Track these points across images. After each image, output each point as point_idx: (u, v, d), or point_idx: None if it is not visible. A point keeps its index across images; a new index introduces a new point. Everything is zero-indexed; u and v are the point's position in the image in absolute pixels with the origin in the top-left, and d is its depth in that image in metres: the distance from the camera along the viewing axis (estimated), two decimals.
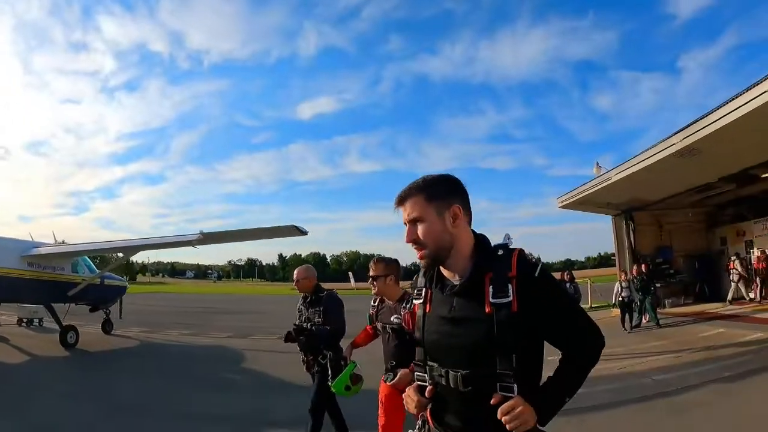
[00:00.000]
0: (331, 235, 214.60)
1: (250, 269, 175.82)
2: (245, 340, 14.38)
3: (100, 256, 17.04)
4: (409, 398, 1.86)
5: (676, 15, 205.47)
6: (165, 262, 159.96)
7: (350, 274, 67.12)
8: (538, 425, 1.59)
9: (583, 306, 5.23)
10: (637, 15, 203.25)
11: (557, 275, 11.66)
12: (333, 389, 4.18)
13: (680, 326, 13.16)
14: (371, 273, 3.93)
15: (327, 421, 4.77)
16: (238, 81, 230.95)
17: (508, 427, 1.54)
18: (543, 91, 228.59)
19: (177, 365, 10.88)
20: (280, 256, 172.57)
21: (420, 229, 1.74)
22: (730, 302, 15.77)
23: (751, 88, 8.64)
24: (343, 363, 4.35)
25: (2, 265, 11.66)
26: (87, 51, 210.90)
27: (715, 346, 9.88)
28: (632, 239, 17.92)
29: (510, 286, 1.62)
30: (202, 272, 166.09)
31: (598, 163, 16.64)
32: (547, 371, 1.73)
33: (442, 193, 1.75)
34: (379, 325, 4.04)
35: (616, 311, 14.43)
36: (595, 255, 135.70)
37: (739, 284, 15.93)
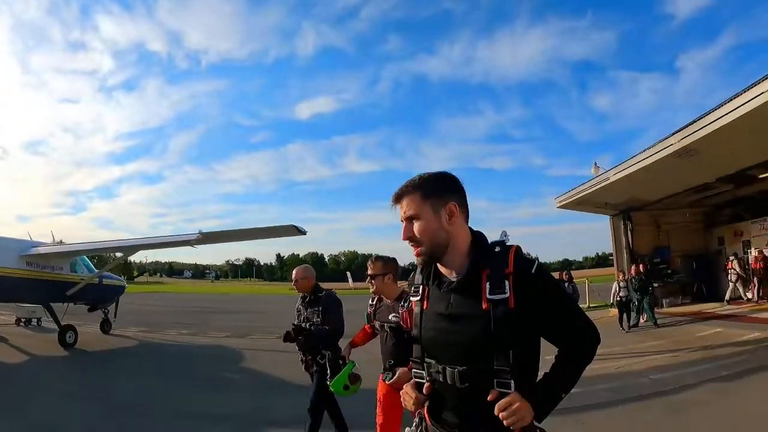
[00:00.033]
0: (329, 235, 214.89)
1: (248, 269, 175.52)
2: (244, 340, 14.38)
3: (98, 255, 17.02)
4: (407, 395, 1.87)
5: (675, 15, 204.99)
6: (163, 261, 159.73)
7: (348, 274, 67.01)
8: (534, 422, 1.60)
9: (581, 306, 5.25)
10: (635, 15, 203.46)
11: (555, 275, 11.69)
12: (332, 388, 4.19)
13: (678, 326, 13.22)
14: (369, 271, 3.94)
15: (327, 420, 4.79)
16: (237, 81, 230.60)
17: (505, 423, 1.55)
18: (542, 91, 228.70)
19: (176, 365, 10.89)
20: (278, 255, 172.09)
21: (416, 227, 1.76)
22: (728, 302, 15.83)
23: (748, 90, 8.69)
24: (341, 362, 4.36)
25: (1, 265, 11.63)
26: (85, 50, 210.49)
27: (713, 345, 9.92)
28: (630, 239, 17.99)
29: (507, 282, 1.63)
30: (199, 272, 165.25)
31: (596, 164, 16.73)
32: (544, 370, 1.74)
33: (438, 190, 1.76)
34: (377, 324, 4.03)
35: (614, 311, 14.50)
36: (592, 255, 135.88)
37: (737, 284, 16.00)
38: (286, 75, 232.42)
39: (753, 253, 16.09)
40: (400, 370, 3.38)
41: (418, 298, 1.89)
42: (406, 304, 3.60)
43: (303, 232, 11.52)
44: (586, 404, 6.22)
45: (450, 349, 1.72)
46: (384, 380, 3.85)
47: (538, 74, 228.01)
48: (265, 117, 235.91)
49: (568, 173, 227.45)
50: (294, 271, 4.94)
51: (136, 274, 75.56)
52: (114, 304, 15.34)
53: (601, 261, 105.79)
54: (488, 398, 1.59)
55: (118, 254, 15.75)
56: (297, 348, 4.67)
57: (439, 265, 1.82)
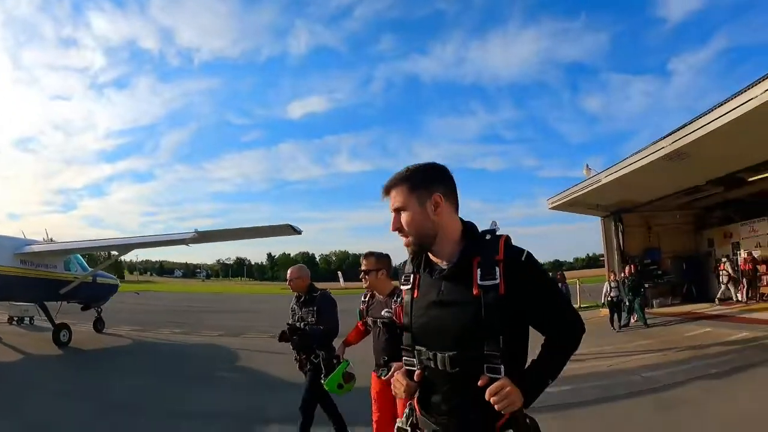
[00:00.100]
0: (320, 235, 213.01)
1: (239, 268, 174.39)
2: (237, 339, 14.40)
3: (89, 254, 16.92)
4: (398, 382, 1.89)
5: (667, 18, 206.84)
6: (154, 260, 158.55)
7: (339, 273, 67.03)
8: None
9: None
10: (628, 17, 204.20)
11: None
12: (326, 387, 4.24)
13: (668, 326, 13.39)
14: (363, 267, 3.96)
15: (326, 419, 4.84)
16: (229, 79, 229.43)
17: (496, 407, 1.58)
18: (534, 92, 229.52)
19: (169, 363, 10.90)
20: (269, 255, 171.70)
21: (403, 218, 1.79)
22: (720, 300, 16.12)
23: (739, 94, 8.81)
24: (335, 362, 4.39)
25: None
26: (77, 47, 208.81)
27: (702, 345, 10.05)
28: (621, 240, 18.15)
29: (497, 269, 1.66)
30: (190, 271, 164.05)
31: (588, 165, 16.86)
32: (531, 357, 1.78)
33: (425, 182, 1.79)
34: (369, 320, 4.06)
35: (605, 311, 14.67)
36: (583, 256, 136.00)
37: (728, 285, 16.23)
38: (278, 74, 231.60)
39: (742, 254, 16.30)
40: (395, 365, 3.42)
41: (409, 286, 1.91)
42: (399, 300, 3.59)
43: (298, 232, 11.56)
44: (580, 401, 6.37)
45: (441, 336, 1.73)
46: (378, 376, 3.90)
47: (530, 75, 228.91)
48: (257, 116, 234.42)
49: (560, 174, 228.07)
50: (289, 271, 4.96)
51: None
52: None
53: (592, 262, 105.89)
54: (478, 384, 1.61)
55: (113, 252, 15.67)
56: (291, 347, 4.69)
57: (430, 254, 1.84)
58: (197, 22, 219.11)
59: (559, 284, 11.87)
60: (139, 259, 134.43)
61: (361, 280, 4.04)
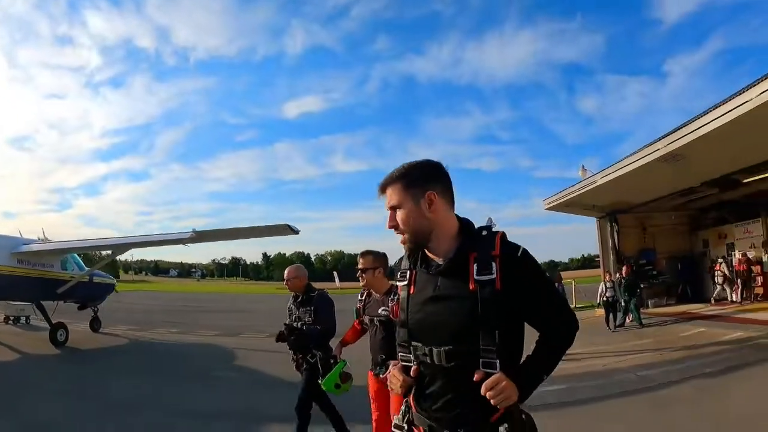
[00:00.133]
0: (315, 234, 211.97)
1: (234, 268, 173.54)
2: (233, 339, 14.40)
3: (84, 253, 16.89)
4: (394, 378, 1.91)
5: (663, 20, 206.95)
6: (149, 260, 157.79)
7: (335, 273, 66.98)
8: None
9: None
10: (624, 19, 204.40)
11: None
12: (323, 387, 4.25)
13: (663, 326, 13.45)
14: (360, 266, 3.97)
15: (325, 419, 4.86)
16: (224, 78, 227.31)
17: (492, 402, 1.59)
18: (530, 93, 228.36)
19: (166, 363, 10.90)
20: (265, 255, 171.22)
21: (399, 216, 1.81)
22: (716, 300, 16.26)
23: (734, 97, 8.85)
24: (332, 362, 4.41)
25: None
26: (73, 46, 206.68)
27: (697, 344, 10.12)
28: (616, 241, 18.20)
29: (494, 264, 1.67)
30: (185, 271, 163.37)
31: (583, 166, 16.89)
32: (526, 353, 1.81)
33: (420, 179, 1.80)
34: (366, 319, 4.08)
35: (600, 311, 14.74)
36: (578, 256, 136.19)
37: (724, 286, 16.34)
38: (274, 73, 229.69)
39: (737, 255, 16.39)
40: (392, 364, 3.45)
41: (405, 282, 1.93)
42: (395, 298, 3.64)
43: (296, 232, 11.56)
44: (576, 399, 6.43)
45: (437, 331, 1.75)
46: (376, 375, 3.91)
47: (526, 76, 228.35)
48: (253, 115, 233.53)
49: (556, 175, 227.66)
50: (286, 271, 4.96)
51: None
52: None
53: (587, 262, 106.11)
54: (474, 379, 1.63)
55: (109, 252, 15.65)
56: (288, 347, 4.70)
57: (426, 250, 1.86)
58: (193, 20, 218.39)
59: (556, 284, 11.96)
60: (134, 259, 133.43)
61: (358, 279, 4.04)
